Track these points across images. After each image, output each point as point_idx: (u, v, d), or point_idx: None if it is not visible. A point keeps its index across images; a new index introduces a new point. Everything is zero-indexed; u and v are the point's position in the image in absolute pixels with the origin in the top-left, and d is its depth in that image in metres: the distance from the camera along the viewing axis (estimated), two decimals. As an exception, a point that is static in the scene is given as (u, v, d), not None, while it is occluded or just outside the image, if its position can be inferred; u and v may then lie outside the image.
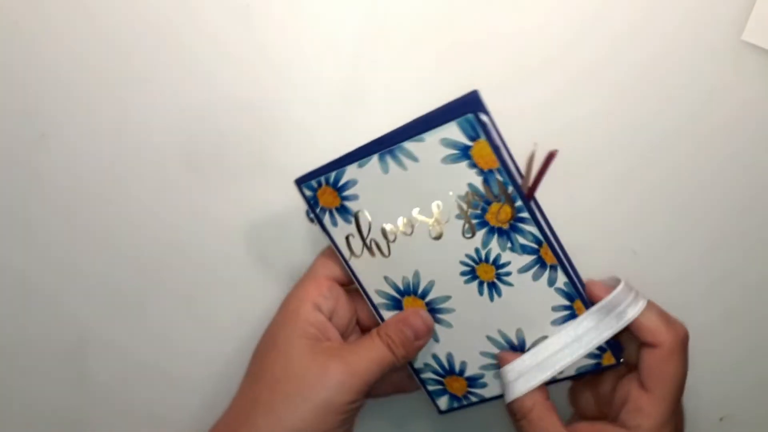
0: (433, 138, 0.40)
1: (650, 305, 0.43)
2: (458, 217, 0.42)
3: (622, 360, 0.44)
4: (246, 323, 0.50)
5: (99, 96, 0.48)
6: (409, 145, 0.41)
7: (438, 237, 0.43)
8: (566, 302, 0.43)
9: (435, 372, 0.47)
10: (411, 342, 0.44)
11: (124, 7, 0.47)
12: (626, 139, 0.48)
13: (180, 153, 0.49)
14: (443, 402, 0.47)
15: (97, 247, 0.50)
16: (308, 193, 0.43)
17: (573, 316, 0.43)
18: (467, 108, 0.39)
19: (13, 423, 0.52)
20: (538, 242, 0.42)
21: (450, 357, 0.46)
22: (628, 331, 0.43)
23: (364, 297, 0.45)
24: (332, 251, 0.45)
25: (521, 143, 0.48)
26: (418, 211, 0.42)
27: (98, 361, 0.51)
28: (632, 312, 0.42)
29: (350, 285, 0.46)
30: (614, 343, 0.43)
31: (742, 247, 0.50)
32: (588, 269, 0.49)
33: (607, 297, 0.42)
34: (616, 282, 0.43)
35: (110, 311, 0.50)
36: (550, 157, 0.39)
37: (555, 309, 0.43)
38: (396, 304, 0.45)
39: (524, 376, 0.43)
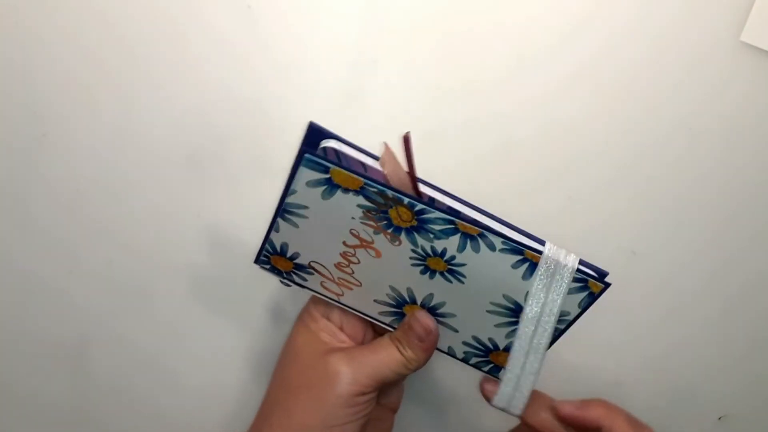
0: (300, 185, 0.41)
1: (617, 414, 0.44)
2: (375, 233, 0.42)
3: (608, 282, 0.43)
4: (246, 321, 0.50)
5: (100, 96, 0.48)
6: (290, 199, 0.41)
7: (377, 255, 0.43)
8: (518, 257, 0.42)
9: (477, 355, 0.46)
10: (417, 343, 0.44)
11: (124, 7, 0.47)
12: (625, 139, 0.49)
13: (181, 152, 0.49)
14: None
15: (99, 245, 0.50)
16: (266, 266, 0.44)
17: (532, 264, 0.43)
18: (306, 143, 0.41)
19: (16, 418, 0.52)
20: (452, 222, 0.41)
21: (476, 338, 0.46)
22: None
23: (375, 322, 0.46)
24: None
25: (521, 141, 0.48)
26: (346, 242, 0.43)
27: (100, 358, 0.51)
28: (571, 260, 0.42)
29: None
30: (590, 268, 0.43)
31: (741, 247, 0.50)
32: (587, 269, 0.49)
33: (541, 256, 0.42)
34: (540, 242, 0.43)
35: (112, 309, 0.51)
36: (406, 140, 0.39)
37: (514, 266, 0.43)
38: (401, 317, 0.46)
39: (518, 389, 0.44)
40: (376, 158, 0.42)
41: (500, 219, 0.43)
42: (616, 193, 0.49)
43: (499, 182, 0.49)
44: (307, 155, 0.39)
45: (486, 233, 0.42)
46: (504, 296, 0.44)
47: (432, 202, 0.41)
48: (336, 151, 0.41)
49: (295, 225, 0.42)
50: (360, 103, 0.48)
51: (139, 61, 0.48)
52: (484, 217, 0.43)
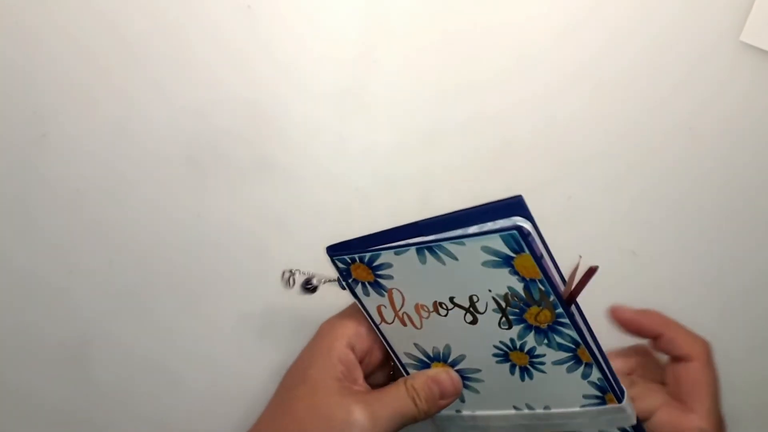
0: (474, 245, 0.39)
1: (674, 323, 0.44)
2: (495, 311, 0.41)
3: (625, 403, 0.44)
4: (246, 322, 0.50)
5: (100, 96, 0.48)
6: (449, 245, 0.40)
7: (472, 323, 0.42)
8: (598, 393, 0.43)
9: (460, 428, 0.46)
10: (436, 399, 0.44)
11: (125, 7, 0.47)
12: (625, 139, 0.49)
13: (181, 152, 0.49)
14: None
15: (99, 246, 0.50)
16: (341, 265, 0.43)
17: (603, 404, 0.43)
18: (511, 214, 0.40)
19: (16, 420, 0.52)
20: (576, 344, 0.41)
21: (475, 417, 0.46)
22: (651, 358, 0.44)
23: (392, 356, 0.45)
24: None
25: (521, 141, 0.48)
26: (454, 299, 0.42)
27: (100, 359, 0.51)
28: (633, 419, 0.43)
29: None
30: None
31: (741, 247, 0.50)
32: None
33: (616, 405, 0.42)
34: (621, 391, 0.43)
35: (112, 310, 0.51)
36: (591, 271, 0.40)
37: (586, 397, 0.43)
38: (424, 367, 0.45)
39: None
40: (548, 251, 0.41)
41: (606, 359, 0.43)
42: (617, 194, 0.49)
43: (499, 182, 0.49)
44: (515, 232, 0.38)
45: (594, 365, 0.41)
46: (545, 407, 0.44)
47: (575, 322, 0.41)
48: (528, 241, 0.39)
49: (423, 262, 0.41)
50: (360, 102, 0.48)
51: (139, 61, 0.48)
52: (597, 351, 0.42)
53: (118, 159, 0.49)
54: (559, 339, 0.41)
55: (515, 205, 0.40)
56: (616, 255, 0.49)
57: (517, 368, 0.43)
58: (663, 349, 0.44)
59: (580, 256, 0.40)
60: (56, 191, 0.49)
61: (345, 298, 0.43)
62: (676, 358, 0.44)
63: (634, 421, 0.43)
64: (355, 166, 0.48)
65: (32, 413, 0.52)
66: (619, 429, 0.44)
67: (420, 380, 0.44)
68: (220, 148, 0.49)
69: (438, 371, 0.44)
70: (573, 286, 0.40)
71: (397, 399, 0.43)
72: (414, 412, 0.43)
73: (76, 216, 0.49)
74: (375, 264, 0.42)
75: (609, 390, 0.42)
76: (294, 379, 0.44)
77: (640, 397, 0.45)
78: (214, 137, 0.49)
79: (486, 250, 0.40)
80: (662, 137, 0.49)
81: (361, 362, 0.44)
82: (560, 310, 0.40)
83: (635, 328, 0.45)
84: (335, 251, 0.43)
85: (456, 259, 0.40)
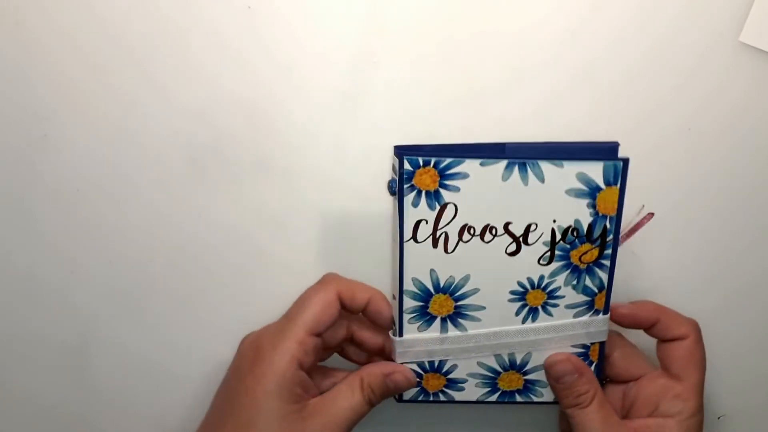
0: (572, 168, 0.42)
1: (666, 309, 0.46)
2: (545, 243, 0.43)
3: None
4: (245, 323, 0.50)
5: (101, 96, 0.48)
6: (545, 165, 0.42)
7: (513, 254, 0.43)
8: (586, 343, 0.45)
9: (421, 366, 0.47)
10: (391, 393, 0.46)
11: (124, 7, 0.47)
12: (625, 139, 0.48)
13: (181, 153, 0.49)
14: (409, 393, 0.48)
15: (99, 246, 0.50)
16: (407, 167, 0.42)
17: (586, 357, 0.46)
18: (611, 155, 0.42)
19: (16, 420, 0.52)
20: (601, 288, 0.44)
21: (445, 358, 0.46)
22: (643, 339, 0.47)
23: (396, 279, 0.45)
24: (318, 300, 0.45)
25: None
26: (510, 225, 0.43)
27: (100, 360, 0.51)
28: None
29: (330, 335, 0.46)
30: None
31: (741, 247, 0.50)
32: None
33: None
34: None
35: (112, 310, 0.51)
36: (647, 218, 0.45)
37: (574, 346, 0.45)
38: (424, 298, 0.45)
39: None
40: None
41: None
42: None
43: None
44: (620, 162, 0.42)
45: (601, 313, 0.45)
46: (527, 353, 0.46)
47: (614, 266, 0.44)
48: (625, 177, 0.43)
49: (506, 178, 0.42)
50: (360, 104, 0.48)
51: (139, 62, 0.48)
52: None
53: (119, 159, 0.49)
54: (588, 281, 0.44)
55: (611, 150, 0.43)
56: (616, 254, 0.49)
57: (526, 309, 0.44)
58: (658, 335, 0.46)
59: (643, 205, 0.45)
60: (56, 191, 0.49)
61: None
62: (669, 340, 0.46)
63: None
64: (354, 167, 0.48)
65: (32, 413, 0.52)
66: (581, 345, 0.46)
67: (377, 378, 0.45)
68: (220, 149, 0.49)
69: (395, 368, 0.45)
70: (630, 229, 0.44)
71: (350, 399, 0.44)
72: (367, 409, 0.44)
73: (76, 216, 0.49)
74: (449, 172, 0.42)
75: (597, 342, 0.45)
76: (236, 393, 0.44)
77: (628, 358, 0.47)
78: (213, 138, 0.49)
79: (580, 176, 0.42)
80: (662, 137, 0.49)
81: (311, 366, 0.45)
82: (609, 251, 0.43)
83: (634, 321, 0.46)
84: (406, 151, 0.42)
85: (543, 181, 0.42)
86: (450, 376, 0.47)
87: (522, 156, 0.42)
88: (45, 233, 0.49)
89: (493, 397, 0.47)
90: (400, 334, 0.46)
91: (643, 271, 0.50)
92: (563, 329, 0.45)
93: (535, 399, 0.47)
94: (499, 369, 0.46)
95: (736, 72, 0.48)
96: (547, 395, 0.47)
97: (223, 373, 0.48)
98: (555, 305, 0.44)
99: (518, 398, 0.47)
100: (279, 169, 0.49)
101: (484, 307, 0.44)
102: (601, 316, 0.45)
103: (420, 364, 0.46)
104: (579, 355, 0.45)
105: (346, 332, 0.48)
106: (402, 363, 0.46)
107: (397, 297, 0.45)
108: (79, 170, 0.49)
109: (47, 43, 0.47)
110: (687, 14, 0.47)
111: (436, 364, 0.46)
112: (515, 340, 0.45)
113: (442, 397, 0.47)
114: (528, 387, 0.47)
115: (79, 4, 0.47)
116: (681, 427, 0.44)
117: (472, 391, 0.47)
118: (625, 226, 0.44)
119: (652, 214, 0.44)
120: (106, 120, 0.48)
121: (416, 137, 0.48)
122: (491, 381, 0.47)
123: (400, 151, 0.43)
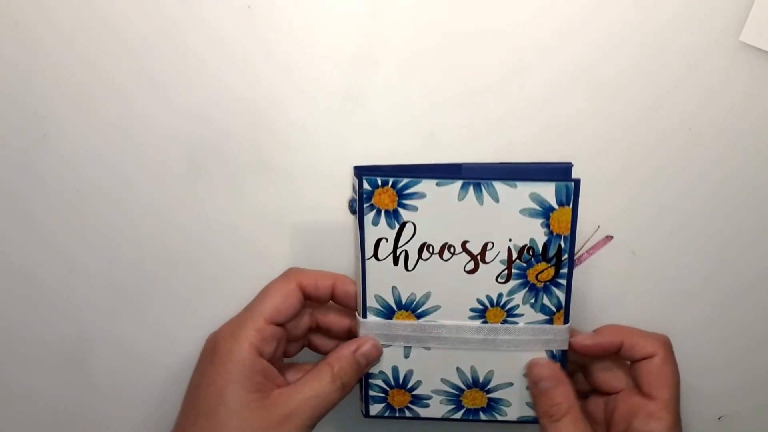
0: (525, 188, 0.42)
1: (631, 329, 0.46)
2: (502, 262, 0.44)
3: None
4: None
5: (101, 96, 0.48)
6: (499, 185, 0.42)
7: (471, 272, 0.44)
8: (545, 349, 0.45)
9: (386, 381, 0.47)
10: (363, 369, 0.45)
11: (124, 7, 0.47)
12: (625, 140, 0.49)
13: (181, 153, 0.49)
14: (376, 408, 0.48)
15: (99, 246, 0.50)
16: (366, 186, 0.43)
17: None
18: (564, 176, 0.43)
19: (16, 420, 0.52)
20: (558, 307, 0.44)
21: (409, 374, 0.47)
22: (616, 362, 0.46)
23: (359, 295, 0.45)
24: (277, 290, 0.45)
25: (521, 142, 0.48)
26: (467, 244, 0.44)
27: (100, 359, 0.51)
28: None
29: (294, 326, 0.47)
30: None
31: (741, 247, 0.50)
32: (588, 269, 0.49)
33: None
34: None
35: (112, 310, 0.51)
36: (605, 240, 0.45)
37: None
38: (387, 315, 0.45)
39: None
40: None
41: None
42: (616, 194, 0.49)
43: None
44: (571, 183, 0.42)
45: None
46: (489, 371, 0.46)
47: (570, 286, 0.44)
48: (576, 197, 0.43)
49: (462, 198, 0.42)
50: (360, 103, 0.48)
51: (139, 62, 0.48)
52: None
53: (118, 159, 0.49)
54: (546, 300, 0.44)
55: (565, 171, 0.43)
56: (616, 254, 0.49)
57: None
58: (626, 356, 0.46)
59: (599, 226, 0.45)
60: (56, 191, 0.49)
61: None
62: (639, 360, 0.45)
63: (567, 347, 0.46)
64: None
65: (32, 413, 0.52)
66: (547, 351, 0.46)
67: (345, 361, 0.45)
68: (220, 149, 0.49)
69: (363, 341, 0.45)
70: (586, 250, 0.45)
71: (320, 386, 0.44)
72: (340, 395, 0.44)
73: (76, 216, 0.49)
74: (407, 191, 0.43)
75: (558, 361, 0.45)
76: (202, 388, 0.44)
77: (608, 370, 0.47)
78: (213, 138, 0.49)
79: (533, 196, 0.42)
80: (662, 137, 0.49)
81: (274, 354, 0.45)
82: (565, 270, 0.43)
83: (598, 350, 0.46)
84: (365, 171, 0.43)
85: (497, 201, 0.43)
86: (415, 392, 0.47)
87: (477, 176, 0.43)
88: (45, 233, 0.49)
89: (458, 415, 0.48)
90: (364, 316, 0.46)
91: (643, 271, 0.50)
92: (522, 332, 0.45)
93: (499, 417, 0.47)
94: (463, 386, 0.47)
95: (736, 72, 0.48)
96: (510, 414, 0.47)
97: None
98: (514, 323, 0.45)
99: (482, 416, 0.47)
100: (279, 169, 0.49)
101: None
102: (560, 325, 0.45)
103: (385, 380, 0.47)
104: None
105: (310, 320, 0.47)
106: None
107: (360, 313, 0.46)
108: (79, 170, 0.49)
109: (47, 43, 0.47)
110: (687, 14, 0.47)
111: (401, 380, 0.47)
112: (477, 337, 0.45)
113: (408, 414, 0.48)
114: (492, 405, 0.47)
115: (79, 4, 0.47)
116: None
117: (437, 408, 0.47)
118: (581, 246, 0.45)
119: (611, 237, 0.45)
120: (106, 120, 0.48)
121: (416, 137, 0.48)
122: (455, 398, 0.47)
123: (360, 171, 0.43)
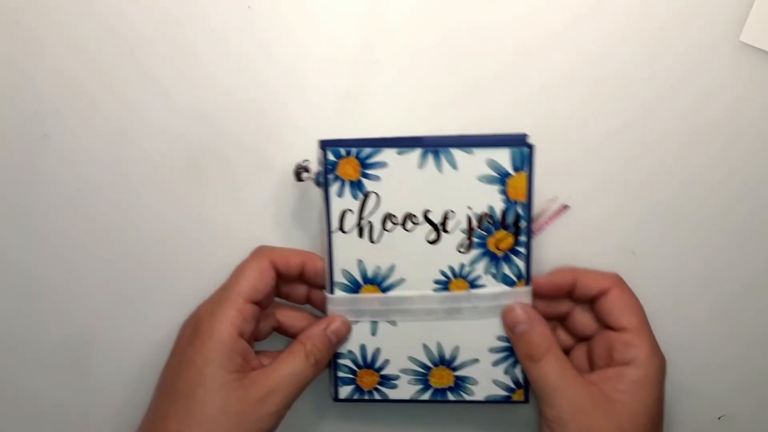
0: (481, 154, 0.43)
1: (583, 269, 0.47)
2: (462, 231, 0.45)
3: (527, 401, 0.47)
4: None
5: (100, 96, 0.48)
6: (456, 152, 0.43)
7: (433, 242, 0.45)
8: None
9: (354, 361, 0.47)
10: (334, 347, 0.46)
11: (124, 7, 0.47)
12: (624, 139, 0.49)
13: (181, 153, 0.49)
14: (345, 391, 0.48)
15: (99, 245, 0.50)
16: (331, 157, 0.44)
17: (510, 349, 0.46)
18: (520, 143, 0.44)
19: (16, 420, 0.52)
20: (519, 276, 0.45)
21: (376, 352, 0.47)
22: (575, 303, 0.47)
23: (327, 271, 0.46)
24: (252, 268, 0.46)
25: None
26: (429, 213, 0.44)
27: (100, 359, 0.51)
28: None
29: (267, 304, 0.47)
30: (527, 383, 0.46)
31: (740, 246, 0.50)
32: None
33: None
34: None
35: (112, 310, 0.51)
36: (561, 209, 0.46)
37: (500, 338, 0.46)
38: (354, 290, 0.46)
39: None
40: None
41: None
42: (616, 193, 0.49)
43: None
44: (526, 148, 0.43)
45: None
46: (455, 347, 0.47)
47: (529, 254, 0.45)
48: (531, 163, 0.44)
49: (421, 165, 0.43)
50: (360, 103, 0.48)
51: (139, 62, 0.48)
52: None
53: (119, 159, 0.49)
54: (507, 269, 0.45)
55: (520, 140, 0.44)
56: (616, 255, 0.49)
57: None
58: (581, 295, 0.46)
59: (557, 196, 0.46)
60: (56, 191, 0.49)
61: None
62: (595, 298, 0.46)
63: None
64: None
65: (32, 413, 0.52)
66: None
67: (318, 339, 0.45)
68: (220, 149, 0.49)
69: (332, 320, 0.46)
70: (544, 219, 0.46)
71: (295, 365, 0.45)
72: (315, 372, 0.45)
73: (76, 216, 0.49)
74: (370, 161, 0.44)
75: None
76: (182, 367, 0.44)
77: (580, 315, 0.47)
78: (213, 138, 0.49)
79: (490, 163, 0.44)
80: (661, 137, 0.49)
81: (252, 334, 0.46)
82: (524, 238, 0.44)
83: (553, 288, 0.46)
84: (329, 143, 0.44)
85: (455, 168, 0.44)
86: (383, 372, 0.47)
87: (435, 144, 0.44)
88: (45, 233, 0.50)
89: (426, 395, 0.48)
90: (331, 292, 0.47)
91: (643, 271, 0.50)
92: (485, 299, 0.46)
93: (466, 397, 0.47)
94: (430, 364, 0.47)
95: (736, 72, 0.48)
96: (478, 393, 0.47)
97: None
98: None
99: (450, 396, 0.47)
100: (278, 170, 0.49)
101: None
102: (522, 287, 0.45)
103: (353, 360, 0.47)
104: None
105: (271, 327, 0.48)
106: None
107: (328, 289, 0.46)
108: (79, 170, 0.49)
109: (47, 43, 0.47)
110: (687, 13, 0.47)
111: (369, 358, 0.47)
112: (442, 307, 0.46)
113: (377, 395, 0.48)
114: (459, 384, 0.47)
115: (79, 4, 0.47)
116: (639, 371, 0.44)
117: (406, 388, 0.47)
118: (538, 216, 0.45)
119: (567, 206, 0.46)
120: (106, 120, 0.48)
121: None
122: (423, 377, 0.47)
123: (324, 143, 0.44)
